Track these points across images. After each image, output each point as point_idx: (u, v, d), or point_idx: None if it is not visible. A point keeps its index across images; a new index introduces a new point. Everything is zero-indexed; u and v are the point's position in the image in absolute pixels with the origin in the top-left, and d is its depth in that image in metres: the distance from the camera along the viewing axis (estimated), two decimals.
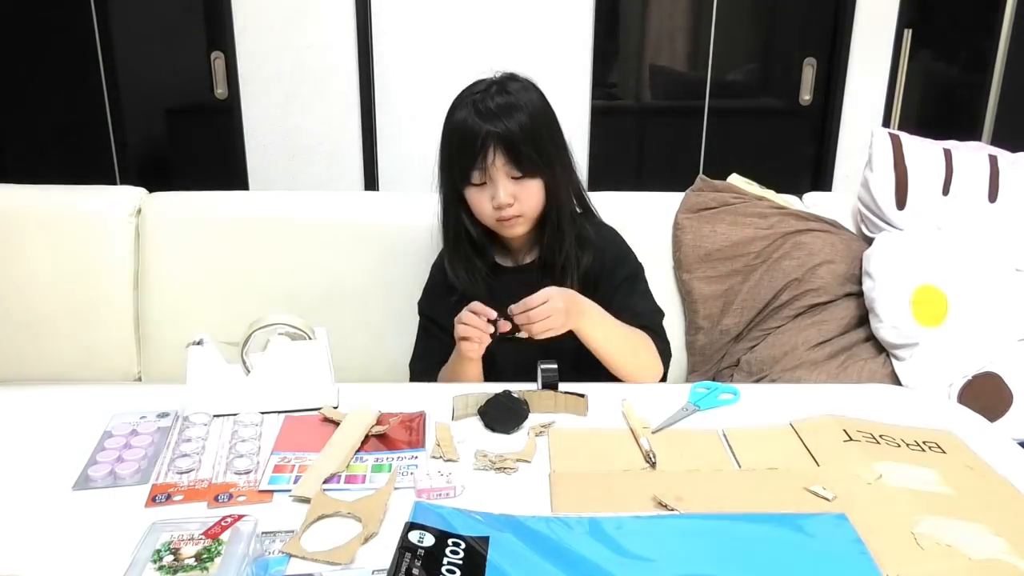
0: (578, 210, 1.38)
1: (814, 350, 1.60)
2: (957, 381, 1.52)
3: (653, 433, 1.03)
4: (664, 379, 1.36)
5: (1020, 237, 1.63)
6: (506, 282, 1.35)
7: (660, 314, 1.41)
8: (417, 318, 1.45)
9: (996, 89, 2.67)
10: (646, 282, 1.43)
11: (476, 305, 1.18)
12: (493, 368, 1.30)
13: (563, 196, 1.32)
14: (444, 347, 1.33)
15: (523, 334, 1.17)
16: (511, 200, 1.25)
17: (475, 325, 1.17)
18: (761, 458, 0.98)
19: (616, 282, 1.36)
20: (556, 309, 1.17)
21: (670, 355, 1.40)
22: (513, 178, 1.25)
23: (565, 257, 1.32)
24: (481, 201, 1.27)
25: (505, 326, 1.17)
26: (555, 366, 1.13)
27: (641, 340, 1.32)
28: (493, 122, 1.23)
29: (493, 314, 1.17)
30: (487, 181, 1.25)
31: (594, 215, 1.41)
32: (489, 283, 1.34)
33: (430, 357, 1.39)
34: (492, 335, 1.17)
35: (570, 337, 1.23)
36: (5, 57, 2.58)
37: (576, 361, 1.26)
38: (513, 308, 1.17)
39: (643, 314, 1.35)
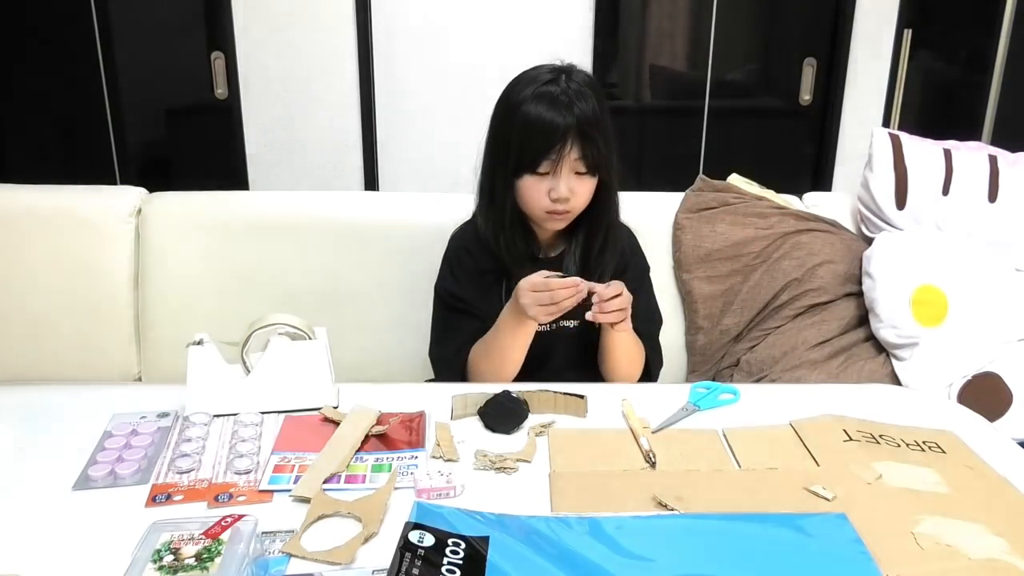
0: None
1: (814, 350, 1.60)
2: (957, 381, 1.52)
3: (653, 433, 1.03)
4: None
5: (1020, 237, 1.63)
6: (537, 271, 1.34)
7: (659, 322, 1.42)
8: (425, 310, 1.42)
9: (996, 89, 2.67)
10: (651, 283, 1.44)
11: (556, 281, 1.17)
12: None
13: (615, 198, 1.32)
14: (473, 327, 1.32)
15: (587, 316, 1.18)
16: (569, 195, 1.24)
17: (564, 294, 1.15)
18: (761, 458, 0.98)
19: (628, 280, 1.34)
20: (627, 304, 1.19)
21: (661, 364, 1.42)
22: (577, 173, 1.24)
23: (605, 257, 1.33)
24: (537, 191, 1.25)
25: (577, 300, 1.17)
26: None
27: (641, 352, 1.34)
28: (575, 113, 1.21)
29: (584, 289, 1.16)
30: (551, 172, 1.24)
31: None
32: (530, 261, 1.33)
33: (458, 338, 1.36)
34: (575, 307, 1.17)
35: (578, 320, 1.26)
36: (5, 57, 2.58)
37: (580, 347, 1.29)
38: (601, 292, 1.16)
39: (644, 320, 1.35)
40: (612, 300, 1.16)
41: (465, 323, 1.35)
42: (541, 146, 1.22)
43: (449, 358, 1.36)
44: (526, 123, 1.24)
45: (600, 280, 1.24)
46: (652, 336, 1.39)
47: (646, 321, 1.37)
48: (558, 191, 1.23)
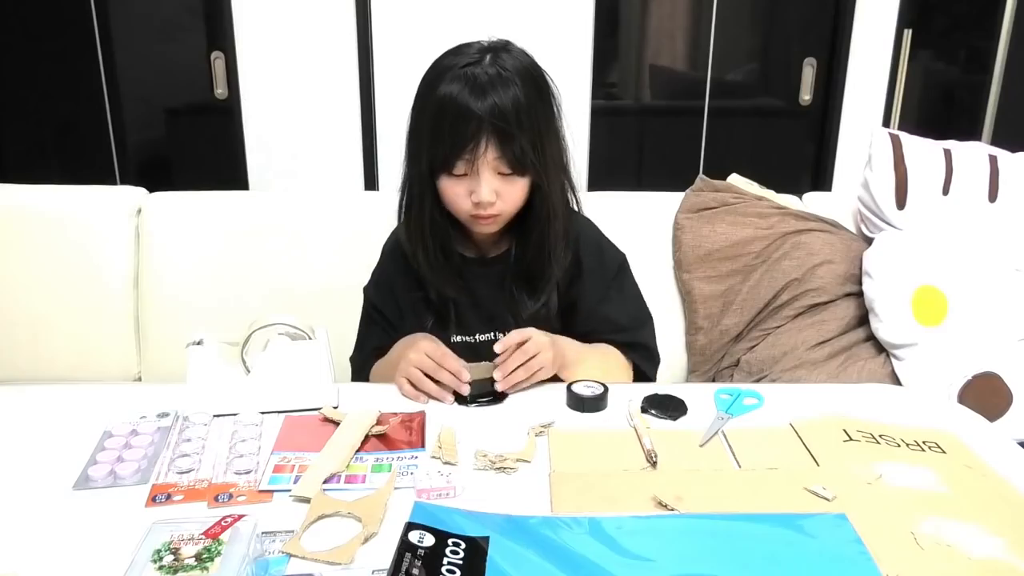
0: (571, 207, 1.24)
1: (814, 350, 1.60)
2: (957, 381, 1.52)
3: (701, 447, 1.00)
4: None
5: (1020, 237, 1.63)
6: (472, 275, 1.22)
7: (648, 321, 1.31)
8: None
9: (996, 89, 2.67)
10: (632, 277, 1.31)
11: (450, 361, 1.06)
12: None
13: (555, 196, 1.16)
14: (385, 336, 1.24)
15: (494, 401, 1.07)
16: (494, 199, 1.10)
17: (431, 389, 1.06)
18: (761, 458, 0.98)
19: (602, 287, 1.26)
20: (545, 352, 1.08)
21: (657, 362, 1.32)
22: (500, 174, 1.10)
23: (547, 264, 1.18)
24: (457, 193, 1.11)
25: (463, 388, 1.07)
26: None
27: (614, 366, 1.23)
28: (488, 104, 1.04)
29: (467, 377, 1.07)
30: (470, 173, 1.09)
31: (576, 211, 1.26)
32: (454, 276, 1.21)
33: (369, 346, 1.28)
34: (460, 395, 1.08)
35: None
36: (5, 57, 2.58)
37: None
38: (501, 370, 1.06)
39: (630, 328, 1.26)
40: (531, 362, 1.07)
41: (376, 335, 1.27)
42: (454, 144, 1.06)
43: (359, 367, 1.30)
44: (436, 111, 1.07)
45: (548, 287, 1.16)
46: (638, 343, 1.27)
47: (628, 330, 1.26)
48: (479, 195, 1.08)
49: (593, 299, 1.26)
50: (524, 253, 1.19)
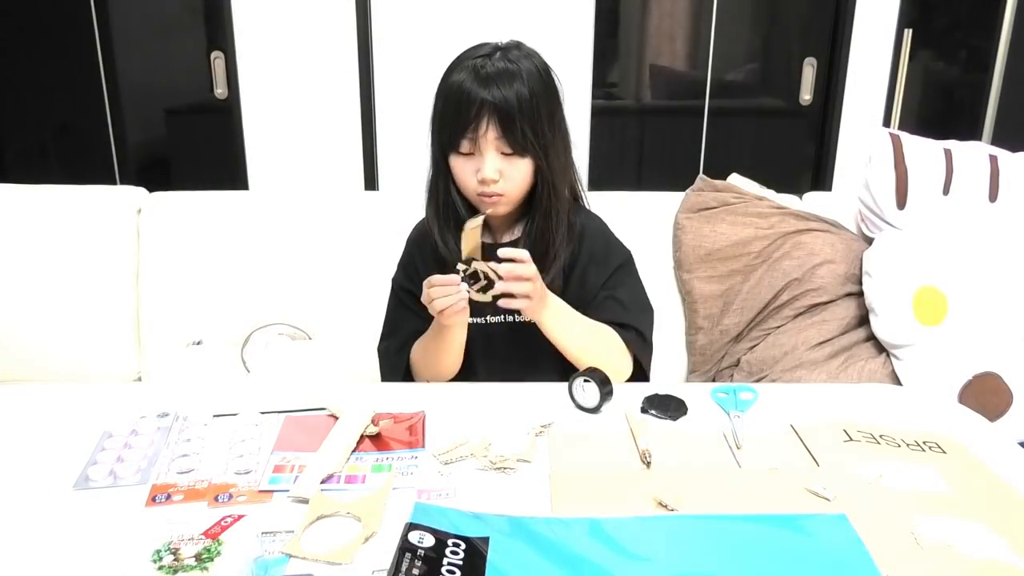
0: (572, 199, 1.31)
1: (814, 350, 1.60)
2: (957, 381, 1.52)
3: (739, 448, 1.00)
4: (647, 379, 1.32)
5: (1020, 237, 1.63)
6: (486, 259, 1.27)
7: (647, 311, 1.34)
8: None
9: (996, 89, 2.67)
10: (636, 273, 1.36)
11: (436, 278, 1.14)
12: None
13: (558, 181, 1.24)
14: (419, 320, 1.28)
15: (493, 292, 1.13)
16: (497, 176, 1.18)
17: (446, 288, 1.12)
18: (761, 458, 0.98)
19: (605, 274, 1.31)
20: (537, 281, 1.14)
21: (651, 351, 1.34)
22: (503, 154, 1.18)
23: (552, 245, 1.26)
24: (465, 172, 1.20)
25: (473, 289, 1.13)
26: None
27: (607, 339, 1.27)
28: (491, 90, 1.15)
29: (457, 280, 1.12)
30: (475, 152, 1.18)
31: (583, 205, 1.35)
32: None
33: (402, 331, 1.33)
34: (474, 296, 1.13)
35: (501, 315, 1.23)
36: (5, 57, 2.58)
37: (525, 342, 1.25)
38: (505, 252, 1.12)
39: (629, 310, 1.30)
40: (525, 266, 1.12)
41: (410, 320, 1.31)
42: (459, 122, 1.17)
43: (391, 356, 1.34)
44: (445, 97, 1.19)
45: (553, 272, 1.21)
46: (631, 325, 1.30)
47: (627, 311, 1.31)
48: (483, 172, 1.17)
49: (595, 283, 1.31)
50: (531, 232, 1.27)
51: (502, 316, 1.28)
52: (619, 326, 1.29)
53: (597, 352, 1.24)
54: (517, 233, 1.30)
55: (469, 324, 1.26)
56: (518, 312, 1.23)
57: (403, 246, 1.39)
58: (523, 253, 1.14)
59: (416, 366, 1.31)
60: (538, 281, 1.16)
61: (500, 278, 1.12)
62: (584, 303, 1.29)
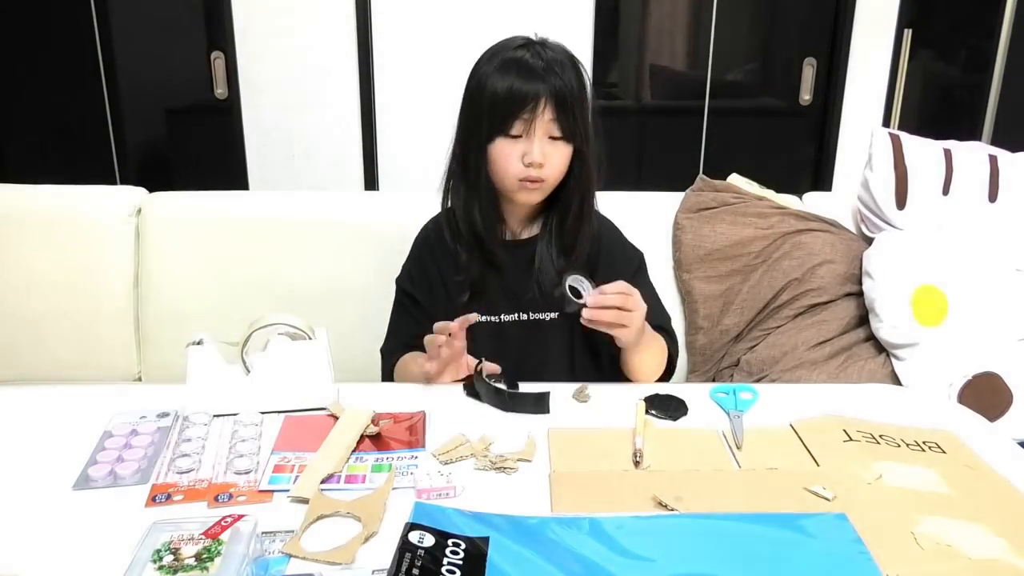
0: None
1: (814, 350, 1.60)
2: (957, 381, 1.52)
3: (739, 449, 1.01)
4: (669, 378, 1.33)
5: (1020, 237, 1.63)
6: (502, 256, 1.30)
7: (665, 310, 1.37)
8: None
9: (996, 89, 2.67)
10: (647, 273, 1.39)
11: (450, 324, 1.12)
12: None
13: (591, 172, 1.25)
14: (417, 325, 1.27)
15: (584, 315, 1.13)
16: (543, 160, 1.19)
17: (440, 340, 1.12)
18: (761, 458, 0.98)
19: (628, 276, 1.29)
20: (638, 319, 1.14)
21: (677, 352, 1.37)
22: (551, 138, 1.20)
23: (579, 238, 1.27)
24: (509, 155, 1.20)
25: (493, 368, 1.14)
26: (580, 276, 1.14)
27: (662, 348, 1.29)
28: (549, 75, 1.18)
29: (464, 323, 1.12)
30: (523, 135, 1.19)
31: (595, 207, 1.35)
32: (490, 254, 1.29)
33: (399, 335, 1.33)
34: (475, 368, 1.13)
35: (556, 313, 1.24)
36: (5, 57, 2.58)
37: (564, 342, 1.27)
38: (605, 289, 1.12)
39: (657, 313, 1.31)
40: (609, 304, 1.12)
41: (407, 324, 1.32)
42: (514, 107, 1.17)
43: (385, 357, 1.34)
44: (498, 86, 1.19)
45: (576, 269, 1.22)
46: (669, 326, 1.34)
47: (661, 316, 1.32)
48: (531, 155, 1.18)
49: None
50: (563, 221, 1.27)
51: (516, 315, 1.29)
52: (656, 328, 1.29)
53: (656, 362, 1.28)
54: (536, 229, 1.31)
55: (481, 322, 1.25)
56: (532, 311, 1.26)
57: (408, 248, 1.40)
58: (624, 286, 1.14)
59: (399, 379, 1.30)
60: (641, 313, 1.15)
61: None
62: None
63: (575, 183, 1.25)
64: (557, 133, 1.20)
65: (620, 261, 1.33)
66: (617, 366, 1.27)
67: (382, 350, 1.36)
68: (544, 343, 1.29)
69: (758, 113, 2.80)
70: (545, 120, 1.18)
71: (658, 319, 1.31)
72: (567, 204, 1.27)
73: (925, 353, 1.54)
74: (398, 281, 1.38)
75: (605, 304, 1.13)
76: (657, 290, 1.43)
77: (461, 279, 1.28)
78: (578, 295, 1.14)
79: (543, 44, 1.24)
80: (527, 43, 1.23)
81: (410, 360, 1.27)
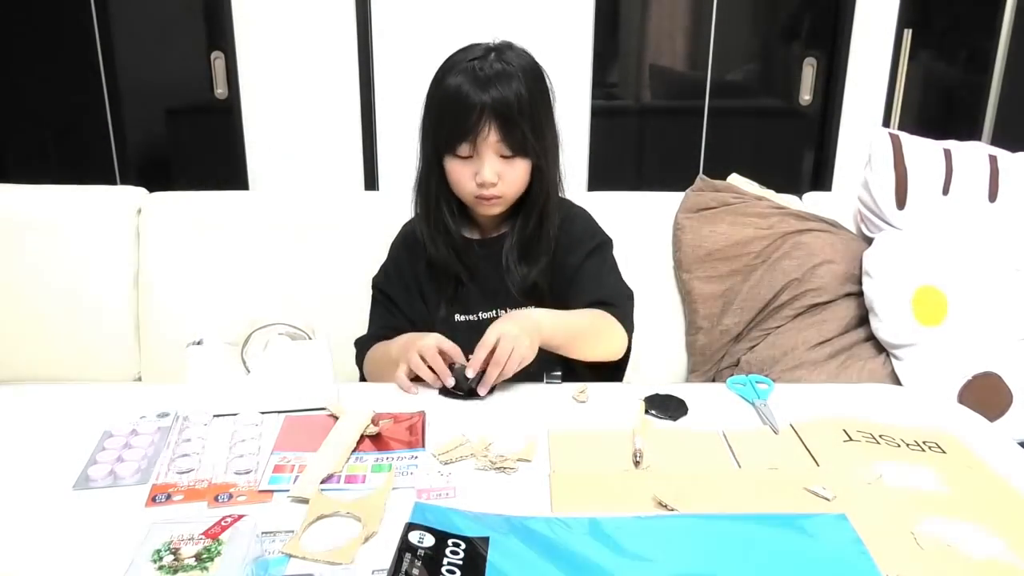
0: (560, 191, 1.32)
1: (814, 350, 1.60)
2: (957, 381, 1.52)
3: (777, 434, 1.02)
4: (627, 357, 1.30)
5: (1020, 237, 1.63)
6: (475, 256, 1.30)
7: (627, 293, 1.32)
8: None
9: (996, 89, 2.67)
10: (614, 258, 1.36)
11: (438, 363, 1.11)
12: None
13: (551, 180, 1.25)
14: (389, 315, 1.30)
15: (480, 392, 1.10)
16: (496, 179, 1.18)
17: (432, 371, 1.11)
18: (761, 458, 0.98)
19: (584, 253, 1.30)
20: (519, 344, 1.07)
21: (632, 331, 1.31)
22: (502, 156, 1.18)
23: (541, 242, 1.27)
24: (462, 175, 1.20)
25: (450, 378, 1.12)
26: (559, 373, 1.13)
27: (599, 320, 1.23)
28: (490, 92, 1.15)
29: (449, 383, 1.11)
30: (474, 155, 1.18)
31: (565, 197, 1.35)
32: (459, 256, 1.29)
33: (372, 327, 1.33)
34: (445, 388, 1.12)
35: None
36: (5, 57, 2.58)
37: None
38: (473, 369, 1.09)
39: (607, 286, 1.29)
40: (501, 352, 1.07)
41: (379, 317, 1.33)
42: (458, 128, 1.16)
43: (360, 348, 1.34)
44: (443, 100, 1.18)
45: (542, 264, 1.22)
46: (619, 302, 1.28)
47: (610, 293, 1.28)
48: (482, 175, 1.17)
49: (577, 260, 1.30)
50: (524, 229, 1.27)
51: (493, 311, 1.29)
52: (601, 304, 1.26)
53: (596, 342, 1.24)
54: (504, 229, 1.31)
55: (459, 321, 1.27)
56: (509, 307, 1.26)
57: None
58: (486, 341, 1.08)
59: (368, 368, 1.31)
60: (520, 343, 1.08)
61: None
62: (569, 279, 1.29)
63: (533, 199, 1.25)
64: (507, 152, 1.18)
65: (576, 243, 1.31)
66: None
67: (355, 341, 1.36)
68: None
69: (758, 113, 2.80)
70: (492, 141, 1.17)
71: (606, 295, 1.27)
72: (527, 215, 1.26)
73: (925, 353, 1.54)
74: (374, 281, 1.38)
75: (484, 369, 1.09)
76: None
77: (437, 281, 1.29)
78: (466, 378, 1.11)
79: (499, 54, 1.20)
80: (482, 55, 1.19)
81: (381, 348, 1.27)
